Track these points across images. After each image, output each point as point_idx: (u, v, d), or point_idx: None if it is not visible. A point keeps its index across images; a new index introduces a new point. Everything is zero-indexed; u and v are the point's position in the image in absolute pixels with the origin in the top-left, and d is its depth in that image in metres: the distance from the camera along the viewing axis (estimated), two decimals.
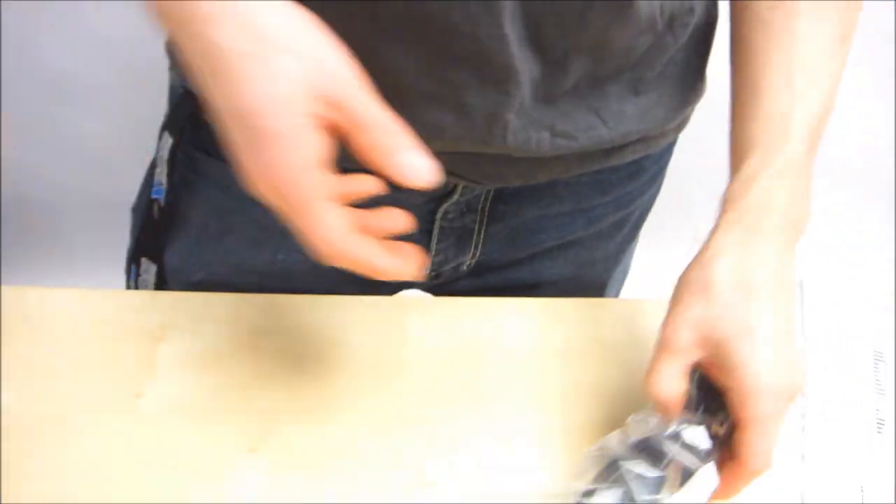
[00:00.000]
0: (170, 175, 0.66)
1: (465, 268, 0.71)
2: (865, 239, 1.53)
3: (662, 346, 0.51)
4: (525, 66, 0.52)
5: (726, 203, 0.53)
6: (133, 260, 0.70)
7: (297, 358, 0.59)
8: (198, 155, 0.65)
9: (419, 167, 0.43)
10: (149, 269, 0.68)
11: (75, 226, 1.49)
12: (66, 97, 1.32)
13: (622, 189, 0.71)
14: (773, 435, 0.48)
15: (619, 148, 0.63)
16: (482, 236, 0.69)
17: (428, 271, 0.70)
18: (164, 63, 1.24)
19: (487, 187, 0.65)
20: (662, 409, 0.50)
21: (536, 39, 0.52)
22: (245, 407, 0.56)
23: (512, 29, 0.50)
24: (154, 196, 0.67)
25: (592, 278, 0.76)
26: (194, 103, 0.63)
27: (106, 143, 1.37)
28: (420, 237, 0.67)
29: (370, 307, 0.62)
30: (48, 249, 1.49)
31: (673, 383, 0.50)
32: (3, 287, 0.59)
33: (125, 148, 1.38)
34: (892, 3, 1.33)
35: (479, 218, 0.67)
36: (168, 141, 0.66)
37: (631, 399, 0.59)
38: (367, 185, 0.46)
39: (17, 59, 1.26)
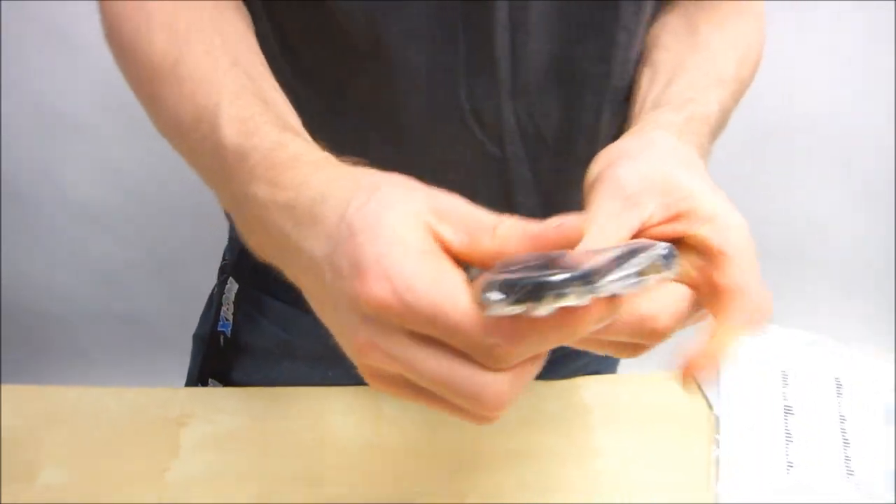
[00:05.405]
0: (235, 313, 0.79)
1: None
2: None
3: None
4: None
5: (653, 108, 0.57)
6: (200, 379, 0.82)
7: (294, 437, 0.71)
8: (262, 297, 0.78)
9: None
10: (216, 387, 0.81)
11: (88, 336, 1.60)
12: (82, 220, 1.46)
13: None
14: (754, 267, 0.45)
15: None
16: None
17: None
18: (168, 187, 1.39)
19: None
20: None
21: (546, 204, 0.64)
22: (253, 477, 0.68)
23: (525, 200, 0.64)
24: (221, 329, 0.79)
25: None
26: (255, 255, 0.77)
27: (117, 262, 1.50)
28: None
29: (352, 394, 0.75)
30: (62, 357, 1.61)
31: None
32: (50, 386, 0.72)
33: (135, 266, 1.52)
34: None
35: None
36: (234, 286, 0.79)
37: (581, 460, 0.72)
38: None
39: (39, 186, 1.41)
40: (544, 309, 0.33)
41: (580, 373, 0.82)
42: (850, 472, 0.73)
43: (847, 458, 0.75)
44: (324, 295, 0.40)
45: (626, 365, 0.95)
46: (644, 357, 0.88)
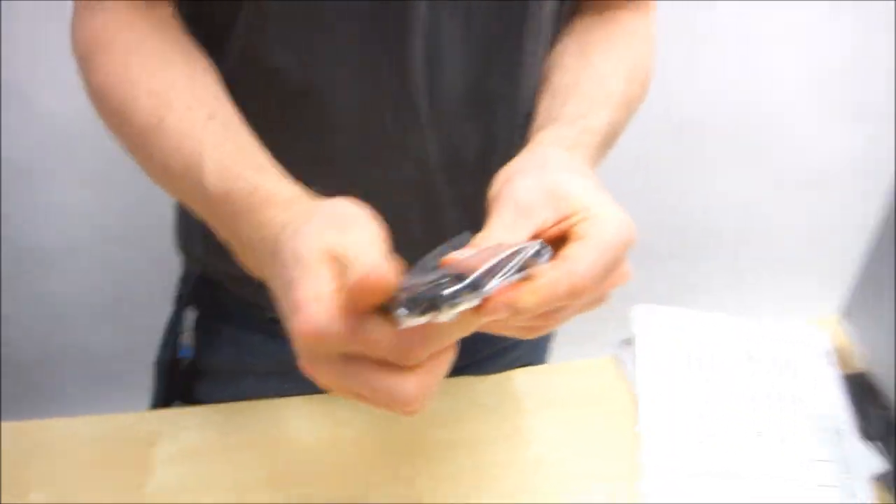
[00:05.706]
0: (194, 339, 0.86)
1: None
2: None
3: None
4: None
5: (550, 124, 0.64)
6: (166, 401, 0.89)
7: (257, 445, 0.79)
8: (218, 325, 0.86)
9: None
10: None
11: (49, 373, 1.65)
12: (36, 262, 1.50)
13: None
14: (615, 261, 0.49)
15: None
16: None
17: None
18: (126, 231, 1.44)
19: None
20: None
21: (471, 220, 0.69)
22: (222, 486, 0.75)
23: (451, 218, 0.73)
24: (182, 355, 0.87)
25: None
26: (210, 285, 0.84)
27: (74, 300, 1.55)
28: None
29: (307, 402, 0.83)
30: (44, 397, 1.65)
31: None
32: (33, 421, 0.79)
33: (90, 303, 1.56)
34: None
35: None
36: (193, 314, 0.87)
37: (515, 446, 0.80)
38: None
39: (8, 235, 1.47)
40: (446, 316, 0.41)
41: (513, 366, 0.90)
42: (759, 434, 0.83)
43: (757, 424, 0.84)
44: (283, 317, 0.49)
45: (556, 356, 1.04)
46: (573, 346, 0.96)
